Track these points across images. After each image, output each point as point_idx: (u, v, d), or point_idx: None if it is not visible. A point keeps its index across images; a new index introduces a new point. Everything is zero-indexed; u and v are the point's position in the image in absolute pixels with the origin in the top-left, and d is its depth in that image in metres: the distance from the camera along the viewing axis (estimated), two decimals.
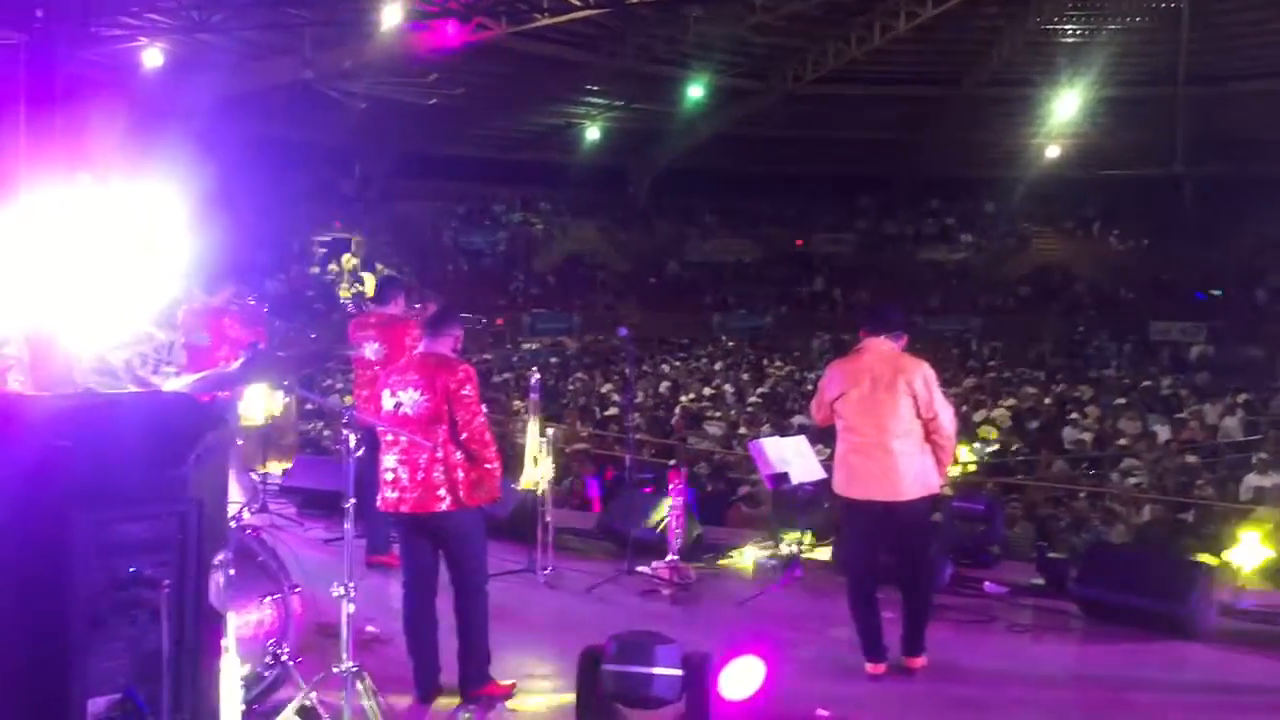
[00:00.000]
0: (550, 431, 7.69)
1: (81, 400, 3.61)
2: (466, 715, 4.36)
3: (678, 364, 25.00)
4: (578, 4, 19.40)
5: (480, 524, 5.11)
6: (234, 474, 4.09)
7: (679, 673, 4.11)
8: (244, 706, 4.00)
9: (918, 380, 5.45)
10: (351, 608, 4.22)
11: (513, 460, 8.51)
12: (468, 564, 5.07)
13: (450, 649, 5.08)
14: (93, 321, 4.14)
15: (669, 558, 7.18)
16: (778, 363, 25.80)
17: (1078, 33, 27.62)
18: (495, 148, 32.88)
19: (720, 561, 7.82)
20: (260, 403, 7.96)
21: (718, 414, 16.88)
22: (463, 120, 29.25)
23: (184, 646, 2.55)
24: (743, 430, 14.59)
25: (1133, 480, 12.19)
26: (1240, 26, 25.97)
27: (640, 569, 7.28)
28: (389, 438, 5.05)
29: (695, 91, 28.20)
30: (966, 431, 13.43)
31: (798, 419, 15.79)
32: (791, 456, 7.51)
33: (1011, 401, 18.76)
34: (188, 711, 2.59)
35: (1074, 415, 17.37)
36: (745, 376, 23.07)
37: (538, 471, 7.27)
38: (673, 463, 12.10)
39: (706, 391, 20.05)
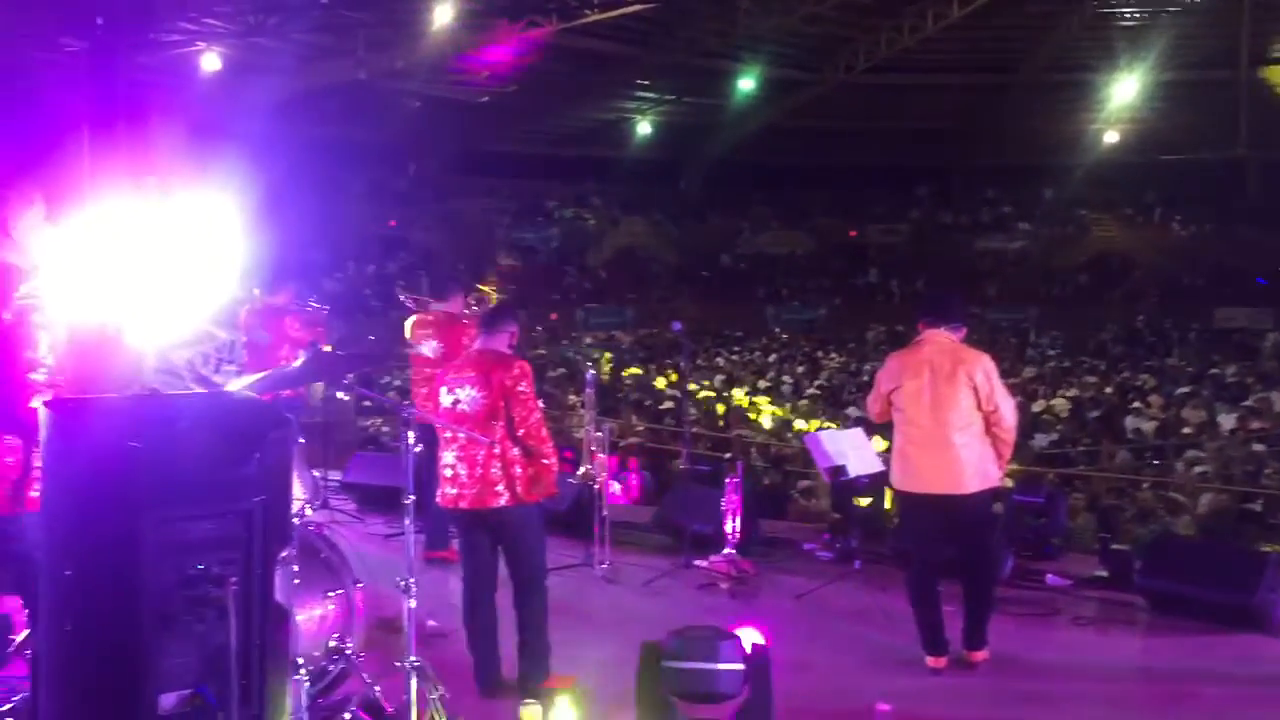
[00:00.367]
0: (606, 426, 7.71)
1: (148, 401, 3.68)
2: (528, 708, 4.38)
3: (733, 357, 24.96)
4: None
5: (539, 519, 5.14)
6: (296, 471, 4.15)
7: (741, 667, 4.10)
8: (309, 700, 4.08)
9: (979, 372, 5.38)
10: (413, 603, 4.25)
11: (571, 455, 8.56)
12: (527, 559, 5.10)
13: (510, 643, 5.12)
14: (156, 322, 4.22)
15: (726, 551, 7.18)
16: (832, 355, 25.68)
17: (1137, 16, 27.11)
18: (547, 144, 33.01)
19: (778, 555, 7.80)
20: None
21: (773, 407, 16.84)
22: (515, 117, 29.39)
23: (251, 642, 2.59)
24: (798, 423, 14.54)
25: (1198, 470, 11.97)
26: None
27: (698, 563, 7.28)
28: (447, 434, 5.09)
29: (746, 84, 28.08)
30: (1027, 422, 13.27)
31: (853, 411, 15.71)
32: (849, 449, 7.47)
33: (1073, 392, 18.52)
34: (256, 706, 2.62)
35: (1136, 404, 17.12)
36: (800, 369, 22.98)
37: (594, 466, 7.29)
38: (729, 456, 12.10)
39: (761, 384, 19.99)
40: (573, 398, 16.19)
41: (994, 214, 36.14)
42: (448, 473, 5.07)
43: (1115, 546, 7.38)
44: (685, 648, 4.08)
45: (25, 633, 4.23)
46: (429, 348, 7.14)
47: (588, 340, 28.07)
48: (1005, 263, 34.45)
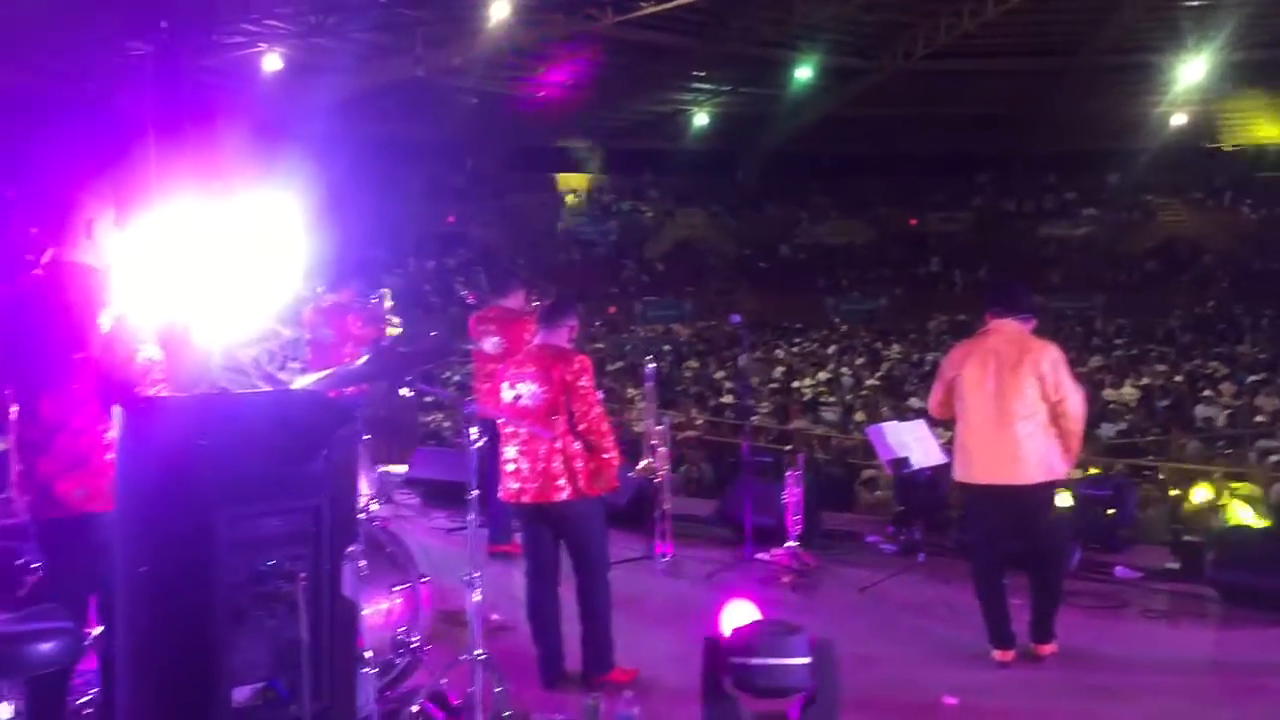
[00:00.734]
0: (666, 419, 7.72)
1: (216, 400, 3.75)
2: (592, 701, 4.40)
3: (793, 349, 24.83)
4: None
5: (600, 512, 5.16)
6: (361, 467, 4.20)
7: (808, 661, 4.09)
8: (377, 693, 4.13)
9: (1045, 362, 5.30)
10: (478, 596, 4.29)
11: (629, 449, 8.57)
12: (589, 552, 5.12)
13: (574, 636, 5.15)
14: (223, 321, 4.29)
15: (788, 544, 7.15)
16: (894, 345, 25.44)
17: None
18: (603, 137, 33.05)
19: (840, 548, 7.76)
20: None
21: (833, 399, 16.73)
22: (571, 111, 29.46)
23: (321, 636, 2.63)
24: (859, 415, 14.43)
25: (1273, 459, 11.70)
26: None
27: (759, 556, 7.26)
28: (509, 429, 5.13)
29: (803, 73, 27.90)
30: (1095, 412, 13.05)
31: (915, 402, 15.56)
32: (911, 440, 7.41)
33: (1145, 380, 18.18)
34: (326, 698, 2.67)
35: (1207, 393, 16.77)
36: (861, 360, 22.80)
37: (654, 459, 7.30)
38: (790, 448, 12.05)
39: (822, 376, 19.87)
40: (631, 391, 16.22)
41: (1057, 200, 35.59)
42: (510, 467, 5.10)
43: (1186, 538, 7.24)
44: (753, 643, 4.06)
45: (100, 629, 4.33)
46: (490, 344, 7.19)
47: (642, 333, 28.07)
48: (1069, 250, 33.91)
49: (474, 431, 4.40)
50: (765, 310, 28.87)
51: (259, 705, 2.57)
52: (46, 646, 3.11)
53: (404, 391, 4.82)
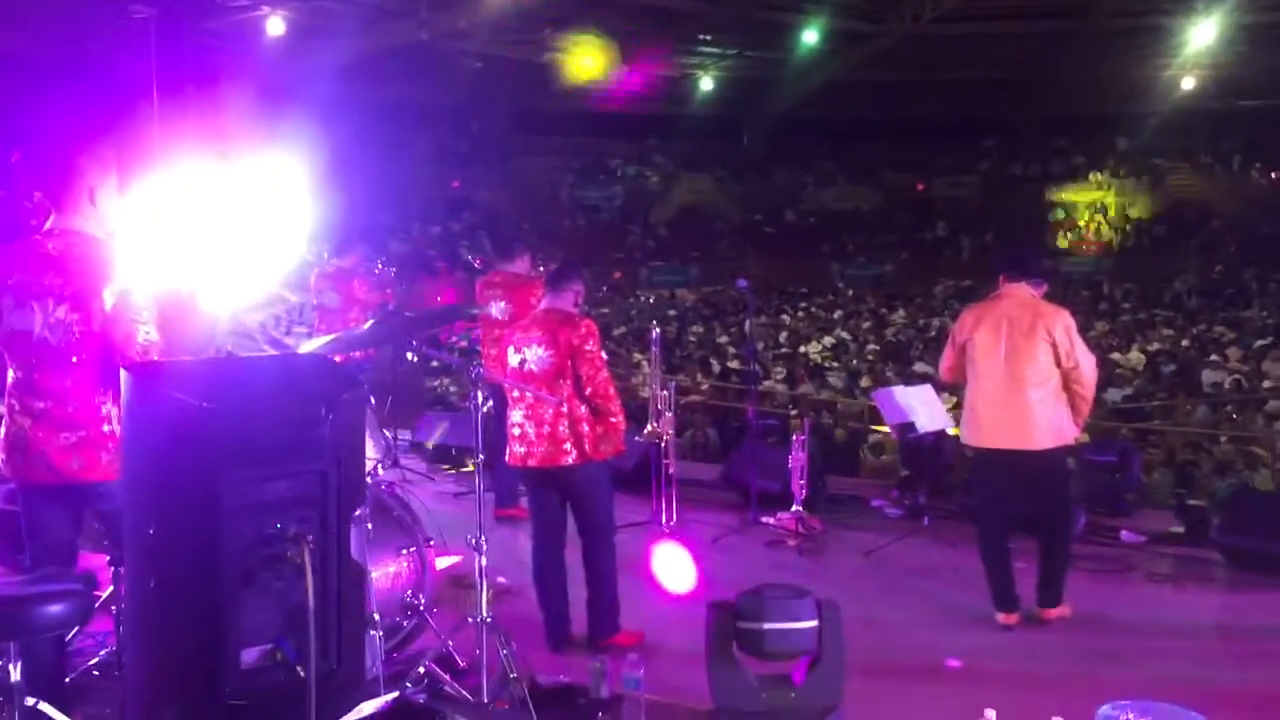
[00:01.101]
0: (672, 384, 7.72)
1: (224, 364, 3.76)
2: (598, 664, 4.43)
3: (799, 315, 24.80)
4: None
5: (606, 476, 5.17)
6: (368, 431, 4.21)
7: (815, 624, 4.10)
8: (384, 654, 4.16)
9: (1058, 328, 5.29)
10: (484, 560, 4.31)
11: (635, 413, 8.58)
12: (595, 516, 5.14)
13: (579, 600, 5.17)
14: (229, 286, 4.29)
15: (793, 508, 7.17)
16: (900, 311, 25.41)
17: None
18: (609, 101, 32.84)
19: (845, 512, 7.78)
20: None
21: (839, 364, 16.73)
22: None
23: (329, 598, 2.64)
24: (865, 381, 14.44)
25: None
26: None
27: (765, 520, 7.28)
28: (515, 394, 5.13)
29: (810, 36, 27.64)
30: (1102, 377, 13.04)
31: (920, 367, 15.55)
32: (917, 405, 7.41)
33: (1153, 346, 18.16)
34: (334, 659, 2.68)
35: (1214, 357, 16.74)
36: (866, 325, 22.78)
37: (660, 424, 7.31)
38: (795, 413, 12.06)
39: (828, 341, 19.86)
40: (637, 356, 16.22)
41: (1065, 164, 35.36)
42: (516, 431, 5.11)
43: (1192, 502, 7.25)
44: (761, 608, 4.07)
45: (110, 590, 4.37)
46: (496, 308, 7.18)
47: (646, 298, 28.03)
48: (1077, 214, 33.75)
49: (480, 396, 4.40)
50: (771, 275, 28.80)
51: (267, 667, 2.59)
52: (56, 608, 3.14)
53: (410, 356, 4.82)
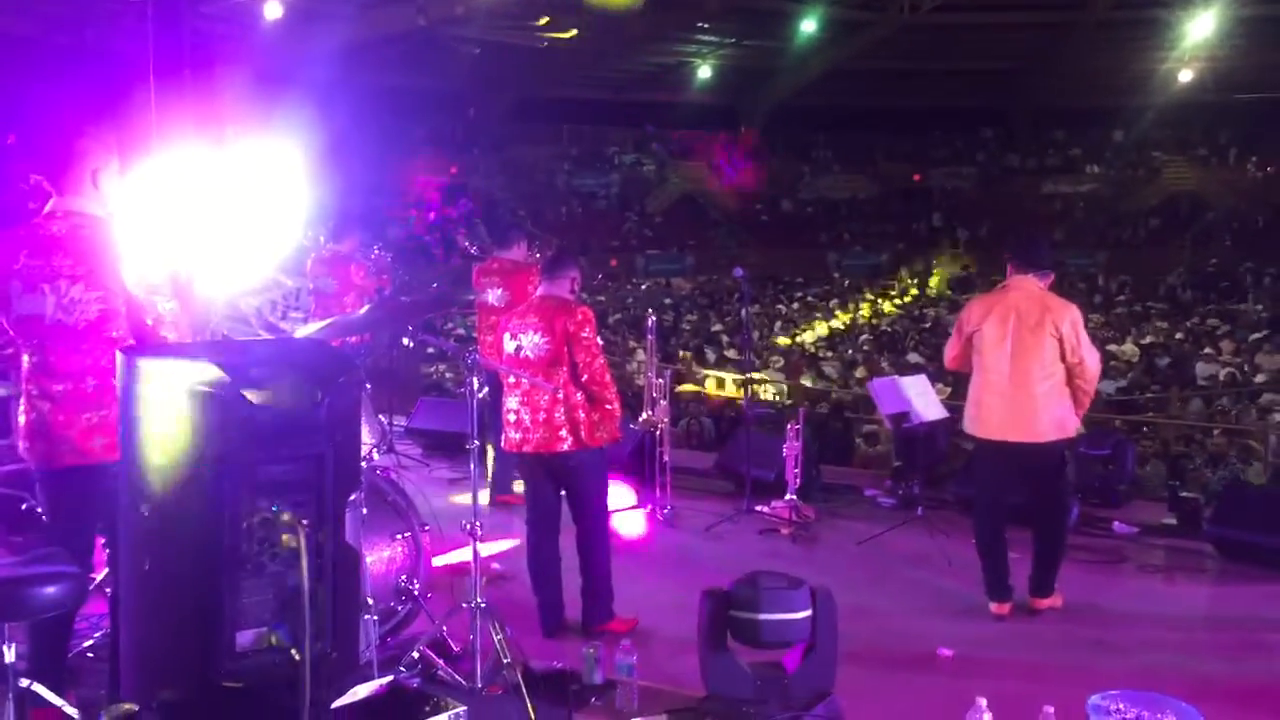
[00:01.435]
0: (668, 372, 7.73)
1: (220, 346, 3.75)
2: (591, 650, 4.45)
3: (795, 304, 24.83)
4: None
5: (602, 463, 5.18)
6: (363, 416, 4.21)
7: (810, 613, 4.12)
8: (378, 639, 4.17)
9: (1066, 323, 5.32)
10: (479, 545, 4.32)
11: (630, 401, 8.60)
12: (590, 503, 5.15)
13: (573, 586, 5.19)
14: (225, 270, 4.29)
15: (788, 497, 7.18)
16: (895, 301, 25.45)
17: None
18: (607, 89, 32.80)
19: (839, 501, 7.81)
20: None
21: (834, 353, 16.75)
22: (575, 63, 29.21)
23: (323, 582, 2.65)
24: (859, 371, 14.47)
25: (1275, 417, 11.74)
26: None
27: (759, 508, 7.30)
28: (511, 380, 5.13)
29: (808, 25, 27.61)
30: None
31: (913, 357, 15.59)
32: (912, 395, 7.42)
33: (1147, 339, 18.21)
34: (328, 643, 2.69)
35: (1208, 350, 16.78)
36: (861, 314, 22.80)
37: (655, 412, 7.32)
38: (789, 402, 12.09)
39: (822, 330, 19.88)
40: (633, 344, 16.23)
41: (1062, 156, 35.38)
42: (511, 418, 5.12)
43: (1184, 494, 7.28)
44: (757, 599, 4.08)
45: (105, 571, 4.37)
46: (494, 295, 7.18)
47: (644, 286, 28.03)
48: (1073, 206, 33.77)
49: (476, 382, 4.41)
50: (767, 264, 28.81)
51: (262, 650, 2.59)
52: (51, 590, 3.14)
53: (406, 342, 4.82)
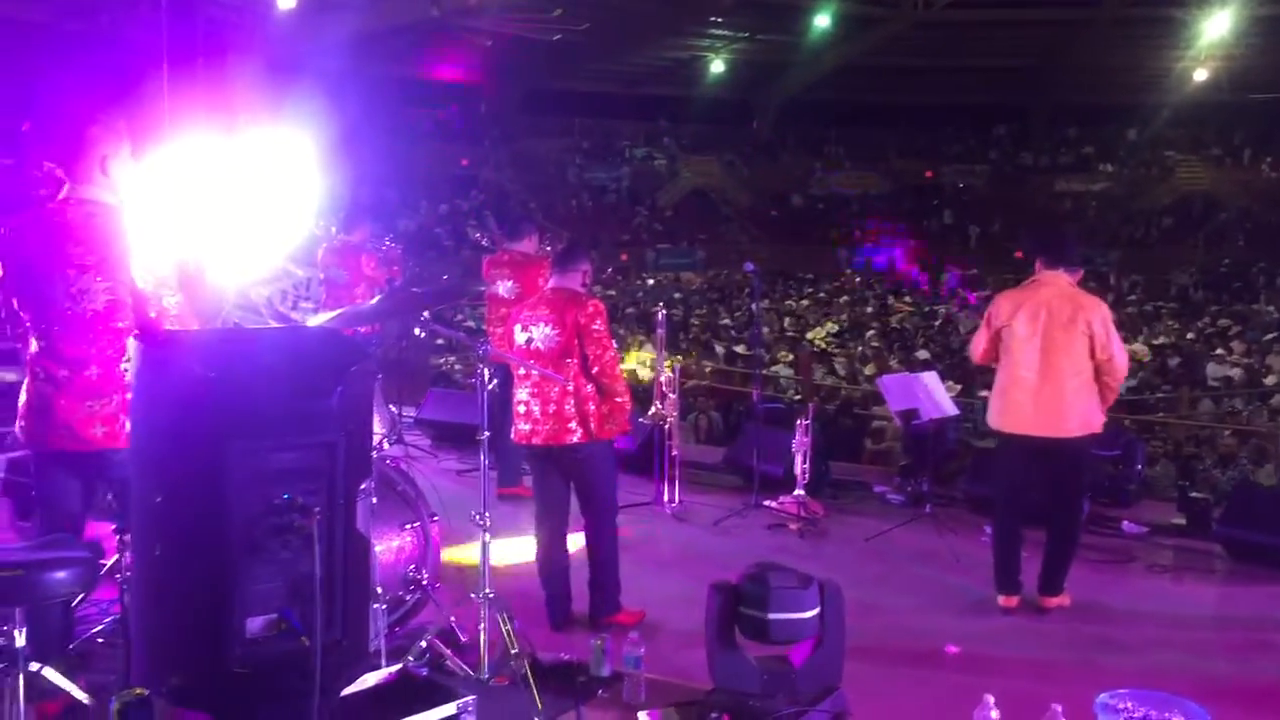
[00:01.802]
0: (677, 367, 7.73)
1: (229, 334, 3.76)
2: (598, 642, 4.46)
3: (805, 300, 24.79)
4: None
5: (611, 456, 5.18)
6: (374, 406, 4.22)
7: (818, 611, 4.11)
8: (386, 628, 4.18)
9: (1096, 320, 5.32)
10: (488, 536, 4.32)
11: (639, 395, 8.59)
12: (599, 495, 5.15)
13: (581, 578, 5.19)
14: (236, 259, 4.29)
15: (796, 492, 7.18)
16: (905, 298, 25.40)
17: None
18: (619, 83, 32.77)
19: (848, 497, 7.80)
20: None
21: (843, 349, 16.72)
22: (587, 55, 29.20)
23: (334, 570, 2.66)
24: (869, 367, 14.44)
25: None
26: None
27: (767, 503, 7.30)
28: (521, 372, 5.14)
29: (822, 20, 27.56)
30: None
31: (922, 354, 15.56)
32: (921, 392, 7.41)
33: (1160, 339, 18.15)
34: (338, 631, 2.70)
35: (1219, 351, 16.73)
36: (871, 310, 22.77)
37: (664, 405, 7.32)
38: (798, 397, 12.07)
39: (832, 327, 19.85)
40: (642, 338, 16.22)
41: (1075, 154, 35.26)
42: (521, 409, 5.12)
43: (1194, 494, 7.26)
44: (766, 597, 4.06)
45: (115, 558, 4.38)
46: (504, 287, 7.19)
47: (653, 281, 28.00)
48: (1086, 205, 33.66)
49: (487, 373, 4.41)
50: (777, 260, 28.77)
51: (272, 636, 2.60)
52: (62, 574, 3.16)
53: (418, 332, 4.82)
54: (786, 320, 20.74)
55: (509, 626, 4.30)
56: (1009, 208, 32.80)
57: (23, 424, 3.72)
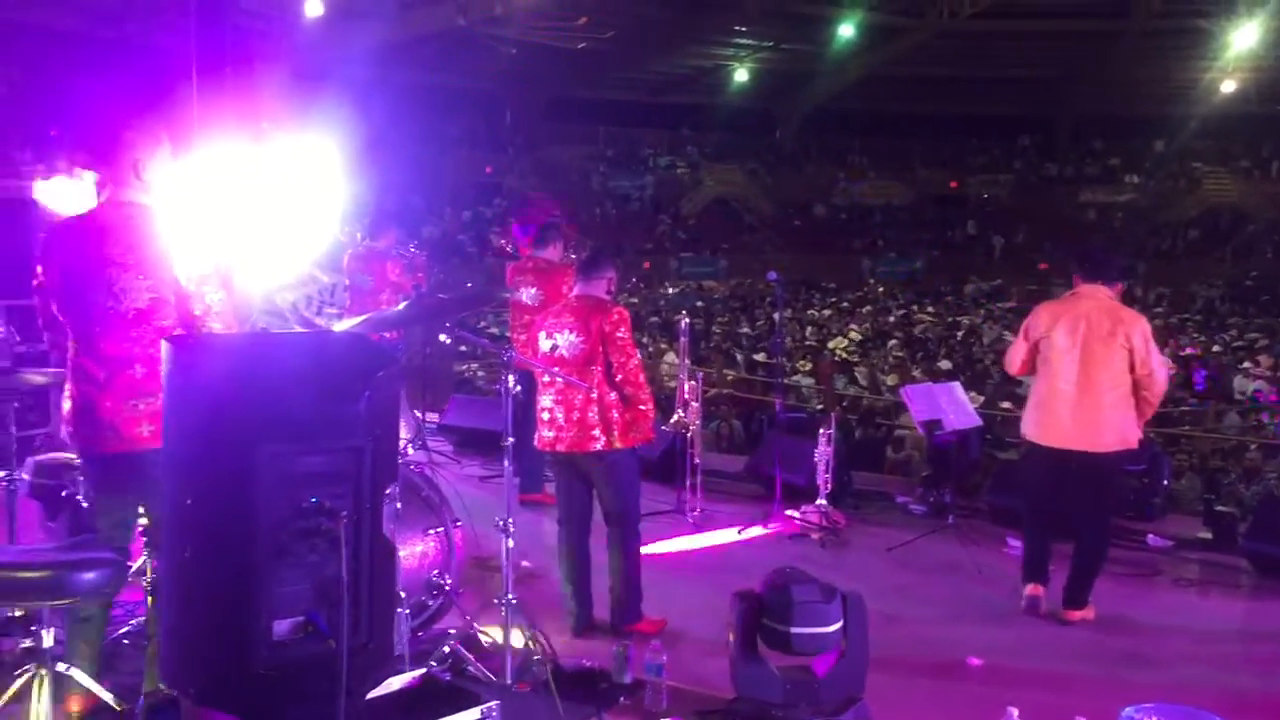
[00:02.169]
0: (699, 375, 7.73)
1: (258, 338, 3.79)
2: (620, 649, 4.46)
3: (828, 311, 24.74)
4: None
5: (634, 464, 5.19)
6: (400, 411, 4.24)
7: (841, 624, 4.11)
8: (410, 633, 4.20)
9: (1136, 335, 5.31)
10: (511, 542, 4.34)
11: (661, 403, 8.60)
12: (621, 503, 5.15)
13: (603, 585, 5.20)
14: (263, 265, 4.33)
15: (818, 502, 7.17)
16: (928, 308, 25.32)
17: None
18: (643, 91, 32.83)
19: (870, 507, 7.78)
20: None
21: (865, 359, 16.68)
22: (611, 64, 29.28)
23: (361, 573, 2.67)
24: (891, 378, 14.40)
25: None
26: None
27: (789, 513, 7.29)
28: (545, 379, 5.15)
29: (846, 30, 27.55)
30: None
31: (945, 364, 15.51)
32: (945, 403, 7.39)
33: (1186, 351, 18.01)
34: (364, 634, 2.71)
35: (1246, 364, 16.60)
36: (894, 320, 22.71)
37: (686, 414, 7.32)
38: (821, 407, 12.05)
39: (855, 336, 19.81)
40: (664, 346, 16.23)
41: (1101, 166, 35.08)
42: (545, 416, 5.13)
43: (1220, 508, 7.21)
44: (788, 612, 4.06)
45: (142, 559, 4.42)
46: (528, 294, 7.20)
47: (673, 290, 28.01)
48: (1111, 216, 33.49)
49: (511, 380, 4.42)
50: (800, 269, 28.74)
51: (298, 639, 2.61)
52: (91, 576, 3.18)
53: (443, 338, 4.84)
54: (808, 330, 20.72)
55: (531, 632, 4.31)
56: (1033, 219, 32.66)
57: (70, 429, 3.75)
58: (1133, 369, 5.32)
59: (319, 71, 18.28)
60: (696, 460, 7.40)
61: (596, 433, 5.00)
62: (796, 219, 33.92)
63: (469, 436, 9.11)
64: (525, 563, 5.98)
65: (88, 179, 4.04)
